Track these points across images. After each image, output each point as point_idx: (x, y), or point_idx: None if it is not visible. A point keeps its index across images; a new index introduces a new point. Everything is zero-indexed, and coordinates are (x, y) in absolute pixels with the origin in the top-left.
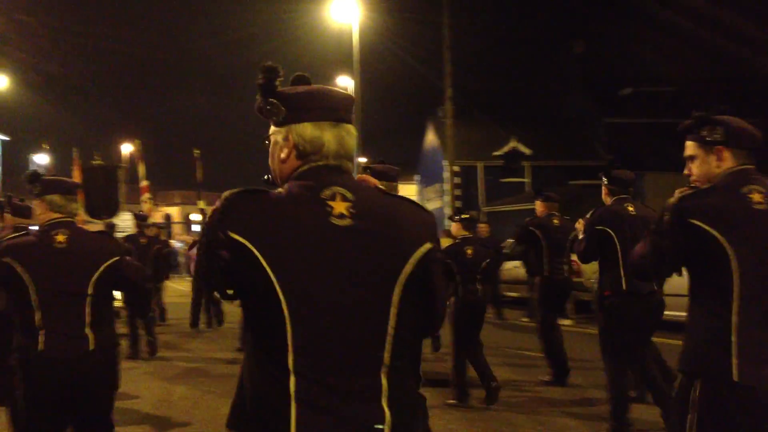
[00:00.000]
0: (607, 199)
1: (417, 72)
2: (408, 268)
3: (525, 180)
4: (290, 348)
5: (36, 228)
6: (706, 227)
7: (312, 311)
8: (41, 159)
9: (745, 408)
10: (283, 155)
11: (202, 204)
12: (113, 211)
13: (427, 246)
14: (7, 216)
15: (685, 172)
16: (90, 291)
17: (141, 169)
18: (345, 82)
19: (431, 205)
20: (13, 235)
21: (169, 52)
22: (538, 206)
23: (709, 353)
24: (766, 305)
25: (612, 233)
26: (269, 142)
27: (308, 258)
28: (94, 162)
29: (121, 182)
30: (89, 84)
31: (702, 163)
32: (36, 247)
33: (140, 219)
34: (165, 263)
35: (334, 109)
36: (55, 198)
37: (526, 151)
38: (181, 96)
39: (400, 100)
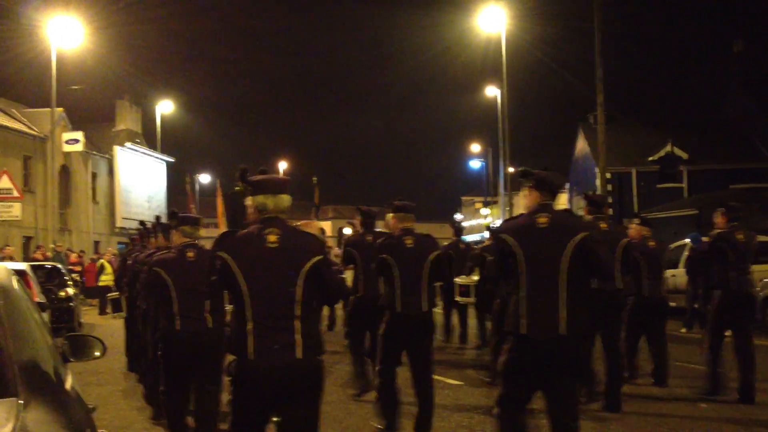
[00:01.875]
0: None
1: (566, 78)
2: (306, 267)
3: (682, 185)
4: (247, 307)
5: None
6: (506, 237)
7: (257, 289)
8: (204, 179)
9: (527, 351)
10: (250, 211)
11: (319, 224)
12: None
13: (318, 257)
14: (161, 237)
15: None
16: (214, 287)
17: None
18: (492, 92)
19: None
20: (162, 252)
21: (321, 73)
22: (633, 229)
23: (511, 319)
24: (537, 286)
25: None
26: (247, 204)
27: (254, 263)
28: (236, 188)
29: None
30: (247, 108)
31: (525, 198)
32: (175, 260)
33: None
34: None
35: (273, 188)
36: (186, 228)
37: (683, 155)
38: (335, 114)
39: (550, 108)
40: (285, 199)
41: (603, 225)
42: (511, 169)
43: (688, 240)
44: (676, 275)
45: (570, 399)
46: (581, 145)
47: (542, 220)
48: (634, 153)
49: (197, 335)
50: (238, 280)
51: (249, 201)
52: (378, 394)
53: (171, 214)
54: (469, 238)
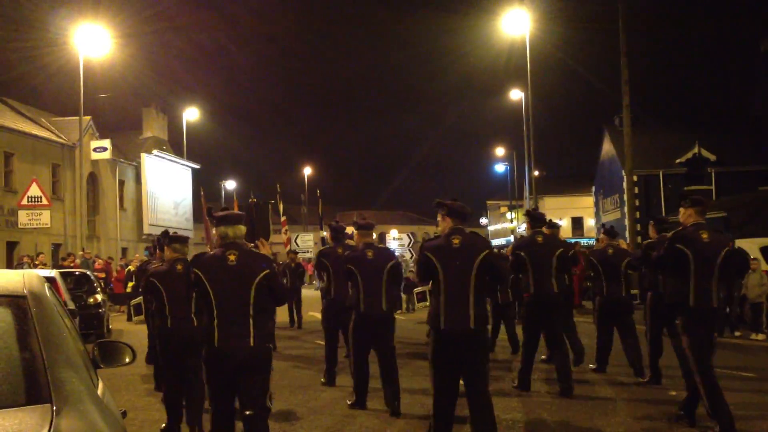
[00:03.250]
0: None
1: (591, 81)
2: (257, 280)
3: (710, 187)
4: (214, 309)
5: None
6: (429, 255)
7: (220, 296)
8: (230, 185)
9: (445, 341)
10: (215, 239)
11: (322, 233)
12: (266, 235)
13: (266, 271)
14: (167, 249)
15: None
16: (192, 295)
17: (281, 207)
18: (517, 95)
19: (609, 217)
20: (157, 264)
21: (346, 79)
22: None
23: (432, 316)
24: (452, 291)
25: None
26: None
27: (219, 276)
28: (250, 200)
29: (270, 214)
30: (272, 114)
31: (440, 224)
32: (167, 272)
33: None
34: (298, 279)
35: (232, 221)
36: (176, 246)
37: (711, 156)
38: (360, 120)
39: (575, 110)
40: (241, 229)
41: (539, 238)
42: (536, 173)
43: None
44: None
45: (482, 374)
46: (607, 147)
47: (456, 241)
48: (660, 155)
49: (185, 331)
50: (207, 289)
51: (214, 231)
52: (353, 377)
53: (164, 234)
54: (494, 242)
